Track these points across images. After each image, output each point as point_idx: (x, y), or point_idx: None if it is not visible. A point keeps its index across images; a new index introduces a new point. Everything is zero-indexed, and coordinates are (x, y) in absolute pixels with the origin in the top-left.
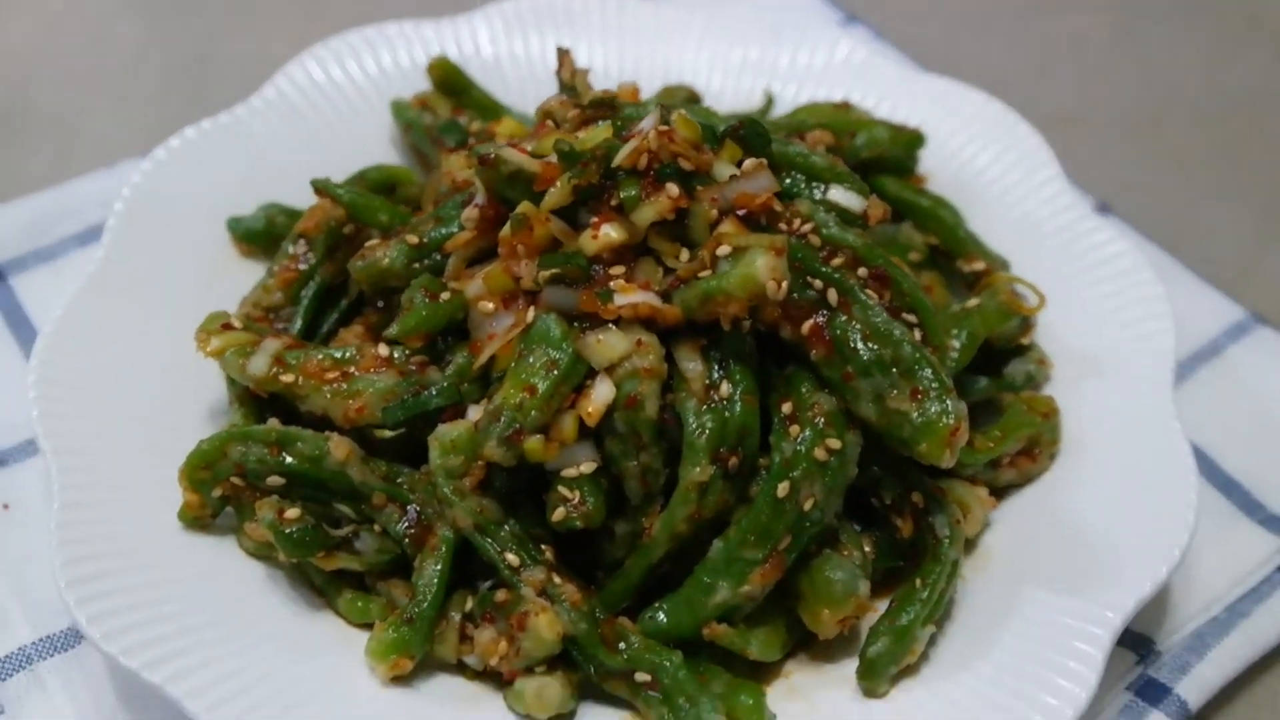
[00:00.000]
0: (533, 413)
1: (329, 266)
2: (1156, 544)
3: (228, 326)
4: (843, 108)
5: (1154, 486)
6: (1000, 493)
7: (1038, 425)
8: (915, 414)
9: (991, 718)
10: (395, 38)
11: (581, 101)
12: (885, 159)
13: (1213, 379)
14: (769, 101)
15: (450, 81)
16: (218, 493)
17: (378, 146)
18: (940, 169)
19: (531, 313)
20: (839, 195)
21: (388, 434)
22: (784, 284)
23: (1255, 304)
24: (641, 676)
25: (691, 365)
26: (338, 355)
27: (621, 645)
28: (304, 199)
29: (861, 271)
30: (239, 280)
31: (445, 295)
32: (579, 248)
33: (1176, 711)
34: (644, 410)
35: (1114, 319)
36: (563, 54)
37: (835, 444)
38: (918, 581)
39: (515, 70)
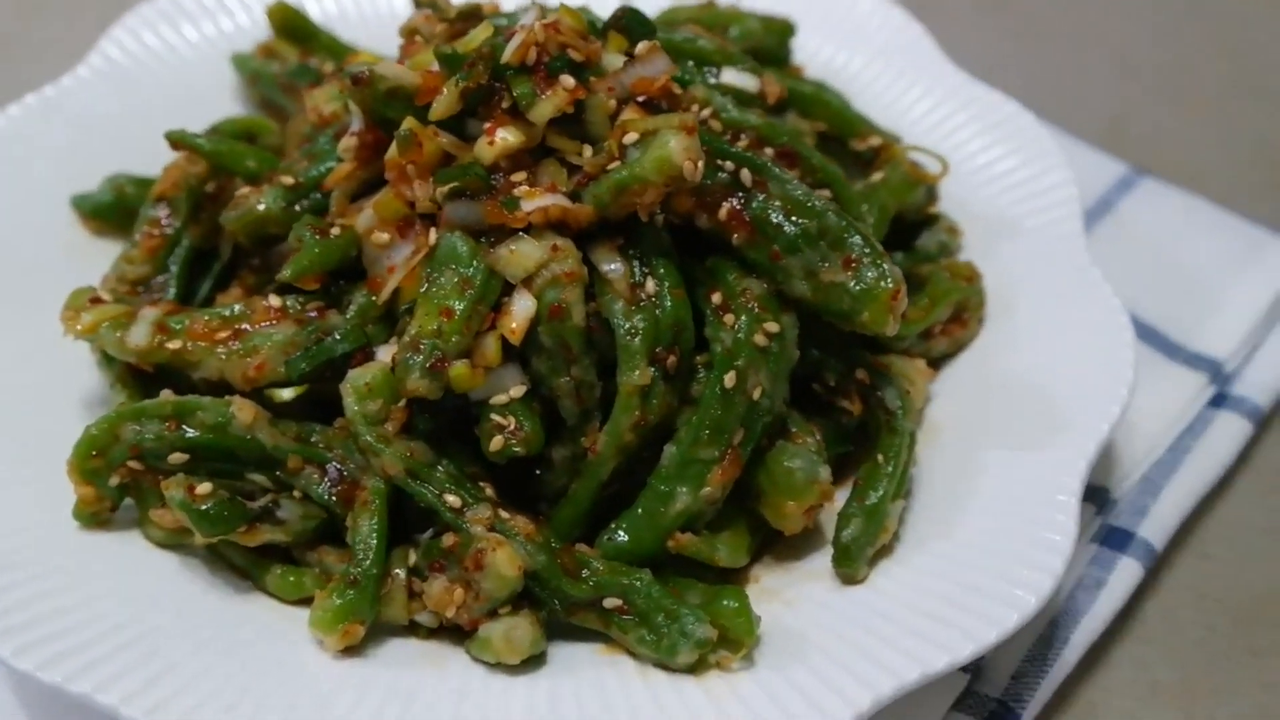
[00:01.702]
0: (453, 338)
1: (195, 228)
2: (1100, 390)
3: (96, 300)
4: (708, 6)
5: (1086, 337)
6: (935, 364)
7: (964, 290)
8: (852, 283)
9: (978, 585)
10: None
11: (448, 15)
12: (760, 50)
13: (1111, 233)
14: None
15: (293, 26)
16: (114, 481)
17: (221, 105)
18: (810, 61)
19: (433, 235)
20: (733, 77)
21: (286, 395)
22: (700, 164)
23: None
24: (611, 602)
25: (612, 266)
26: (226, 313)
27: (584, 573)
28: (150, 167)
29: (768, 151)
30: (93, 261)
31: (335, 231)
32: (475, 158)
33: (1144, 554)
34: (570, 318)
35: (1014, 179)
36: None
37: (773, 327)
38: (879, 457)
39: (358, 12)
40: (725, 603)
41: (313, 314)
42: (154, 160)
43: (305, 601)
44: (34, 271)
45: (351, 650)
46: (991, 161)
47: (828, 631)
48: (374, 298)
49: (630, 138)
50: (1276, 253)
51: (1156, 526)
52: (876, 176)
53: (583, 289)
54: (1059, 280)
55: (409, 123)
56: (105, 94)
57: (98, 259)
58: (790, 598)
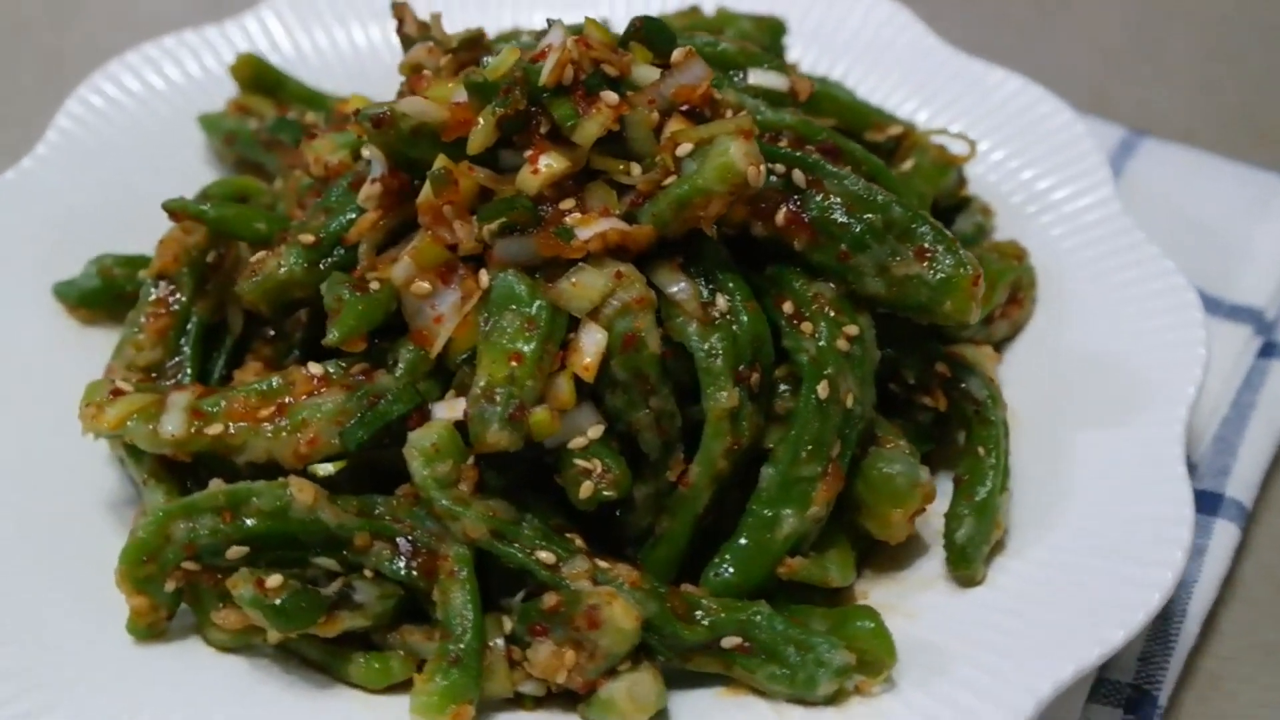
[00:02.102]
0: (528, 382)
1: (203, 303)
2: (1176, 358)
3: (118, 392)
4: (693, 11)
5: (1149, 304)
6: (997, 349)
7: (1016, 270)
8: (930, 274)
9: (1106, 570)
10: (177, 50)
11: (449, 45)
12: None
13: (1124, 196)
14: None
15: (262, 79)
16: (170, 587)
17: (194, 170)
18: (803, 56)
19: (483, 276)
20: (761, 78)
21: (327, 470)
22: (762, 168)
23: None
24: (730, 641)
25: (678, 287)
26: (264, 388)
27: (698, 614)
28: (132, 244)
29: (808, 149)
30: (89, 353)
31: (375, 286)
32: (518, 189)
33: (1236, 514)
34: (646, 347)
35: (1036, 154)
36: (400, 7)
37: (853, 330)
38: (980, 450)
39: (320, 60)
40: (859, 624)
41: (360, 377)
42: (135, 236)
43: (394, 688)
44: (25, 371)
45: None
46: (1012, 140)
47: (962, 639)
48: (423, 352)
49: (684, 149)
50: None
51: (1241, 485)
52: (907, 165)
53: (654, 315)
54: (1105, 250)
55: (442, 160)
56: (71, 171)
57: (94, 349)
58: (909, 610)
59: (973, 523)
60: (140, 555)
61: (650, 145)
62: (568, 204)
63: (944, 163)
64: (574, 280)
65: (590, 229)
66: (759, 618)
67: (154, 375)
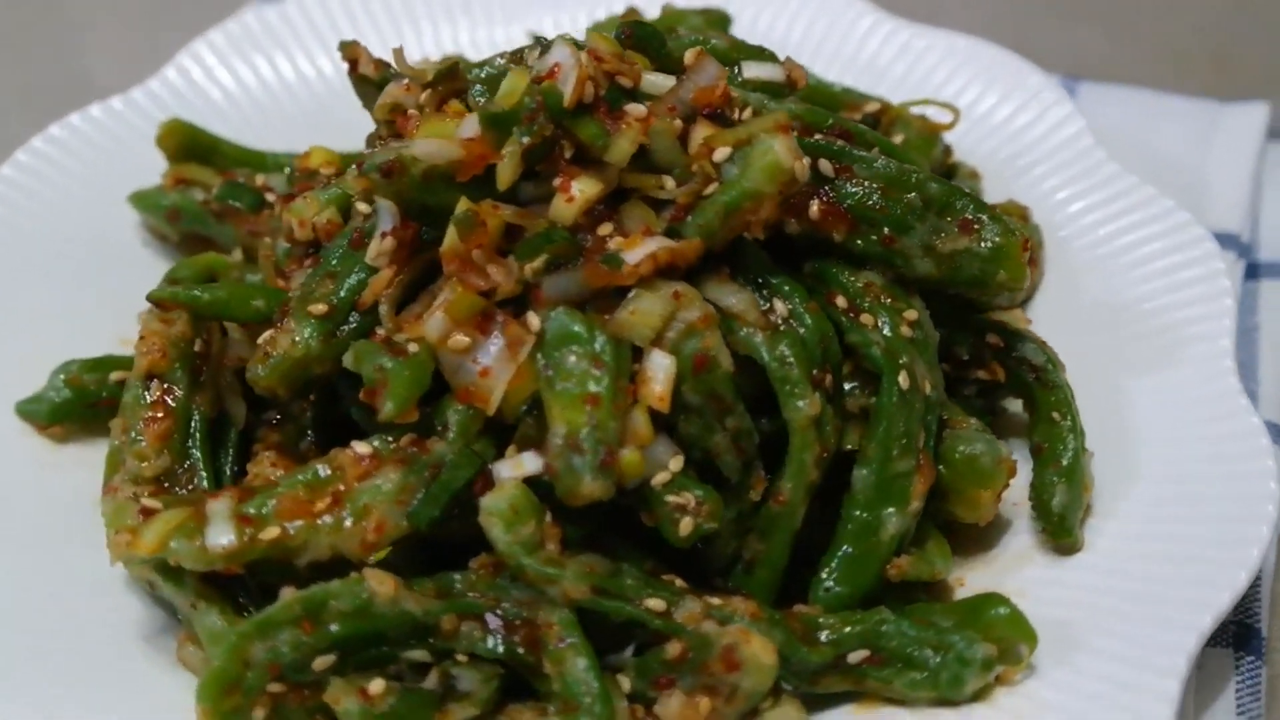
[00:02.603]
0: (610, 424)
1: (201, 396)
2: (1200, 293)
3: (148, 511)
4: (629, 13)
5: (1157, 244)
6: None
7: (1025, 229)
8: (979, 245)
9: (1204, 515)
10: (89, 131)
11: (425, 78)
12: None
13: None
14: None
15: (192, 145)
16: (260, 716)
17: (134, 254)
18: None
19: (534, 319)
20: (756, 70)
21: (380, 555)
22: (805, 162)
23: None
24: (857, 656)
25: (734, 299)
26: (309, 478)
27: (820, 634)
28: (90, 345)
29: (817, 138)
30: (74, 475)
31: (414, 349)
32: (552, 220)
33: (1276, 435)
34: (719, 366)
35: (1005, 113)
36: (352, 47)
37: (912, 314)
38: (1053, 415)
39: (250, 108)
40: (994, 612)
41: (412, 449)
42: (92, 337)
43: None
44: (10, 509)
45: None
46: (976, 99)
47: (1084, 609)
48: (472, 411)
49: (722, 154)
50: (1234, 117)
51: (1271, 406)
52: (897, 140)
53: (719, 331)
54: (1104, 196)
55: (465, 203)
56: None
57: (78, 470)
58: (1014, 589)
59: (1065, 489)
60: (222, 688)
61: (678, 155)
62: (605, 229)
63: (929, 133)
64: (632, 309)
65: (638, 252)
66: (885, 626)
67: (165, 485)
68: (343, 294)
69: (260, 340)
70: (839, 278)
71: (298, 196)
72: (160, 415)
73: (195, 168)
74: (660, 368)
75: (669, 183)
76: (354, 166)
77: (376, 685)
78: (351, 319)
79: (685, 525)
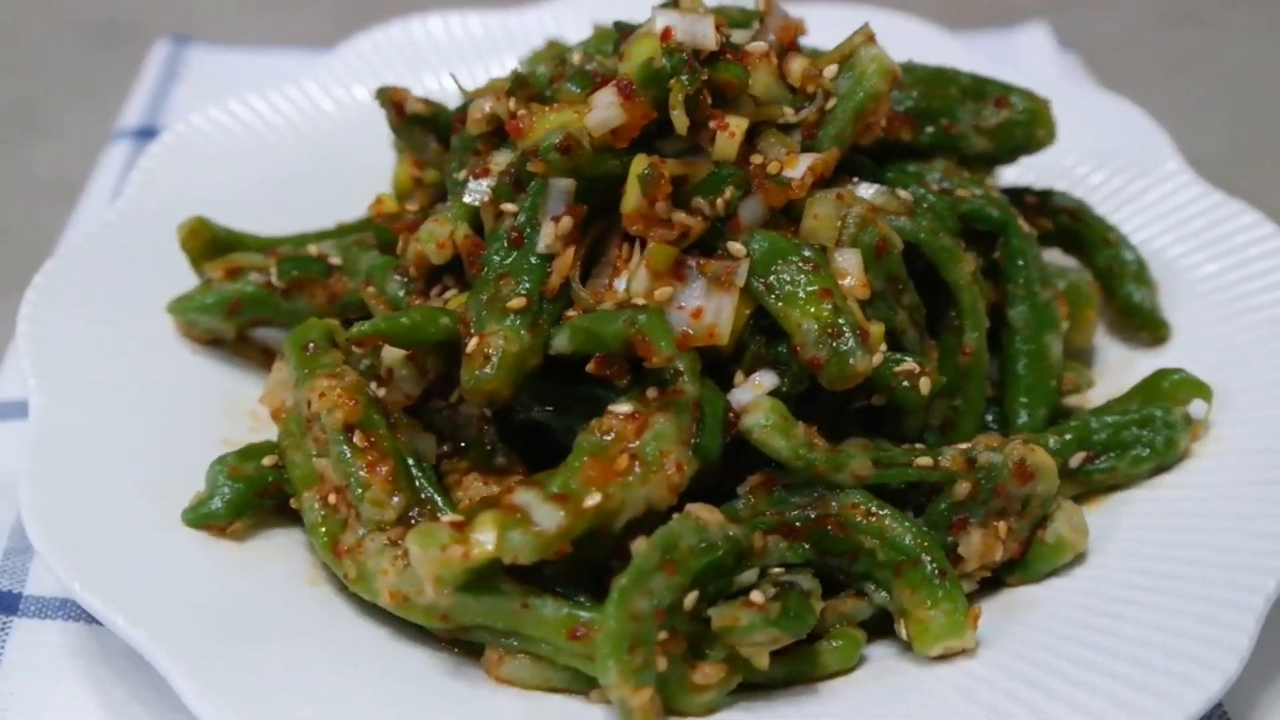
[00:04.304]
0: (852, 309)
1: (400, 435)
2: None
3: (459, 524)
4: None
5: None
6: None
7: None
8: (1015, 114)
9: None
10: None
11: (505, 88)
12: None
13: None
14: None
15: (215, 241)
16: (662, 666)
17: (195, 361)
18: None
19: (738, 247)
20: None
21: None
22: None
23: None
24: (1077, 459)
25: (872, 191)
26: (594, 443)
27: (1052, 443)
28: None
29: None
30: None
31: (642, 314)
32: (720, 158)
33: None
34: (895, 247)
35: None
36: (395, 92)
37: (990, 181)
38: (1107, 236)
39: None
40: (1170, 380)
41: (665, 399)
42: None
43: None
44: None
45: None
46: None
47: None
48: (689, 355)
49: (830, 71)
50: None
51: None
52: None
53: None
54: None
55: (641, 160)
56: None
57: (281, 559)
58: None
59: (1140, 288)
60: (624, 646)
61: (777, 90)
62: (757, 159)
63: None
64: (814, 214)
65: (799, 168)
66: (1093, 423)
67: (412, 524)
68: (528, 286)
69: (469, 349)
70: (907, 169)
71: (429, 220)
72: (378, 458)
73: (243, 256)
74: (850, 262)
75: (788, 112)
76: (522, 154)
77: (757, 596)
78: (545, 308)
79: (924, 384)
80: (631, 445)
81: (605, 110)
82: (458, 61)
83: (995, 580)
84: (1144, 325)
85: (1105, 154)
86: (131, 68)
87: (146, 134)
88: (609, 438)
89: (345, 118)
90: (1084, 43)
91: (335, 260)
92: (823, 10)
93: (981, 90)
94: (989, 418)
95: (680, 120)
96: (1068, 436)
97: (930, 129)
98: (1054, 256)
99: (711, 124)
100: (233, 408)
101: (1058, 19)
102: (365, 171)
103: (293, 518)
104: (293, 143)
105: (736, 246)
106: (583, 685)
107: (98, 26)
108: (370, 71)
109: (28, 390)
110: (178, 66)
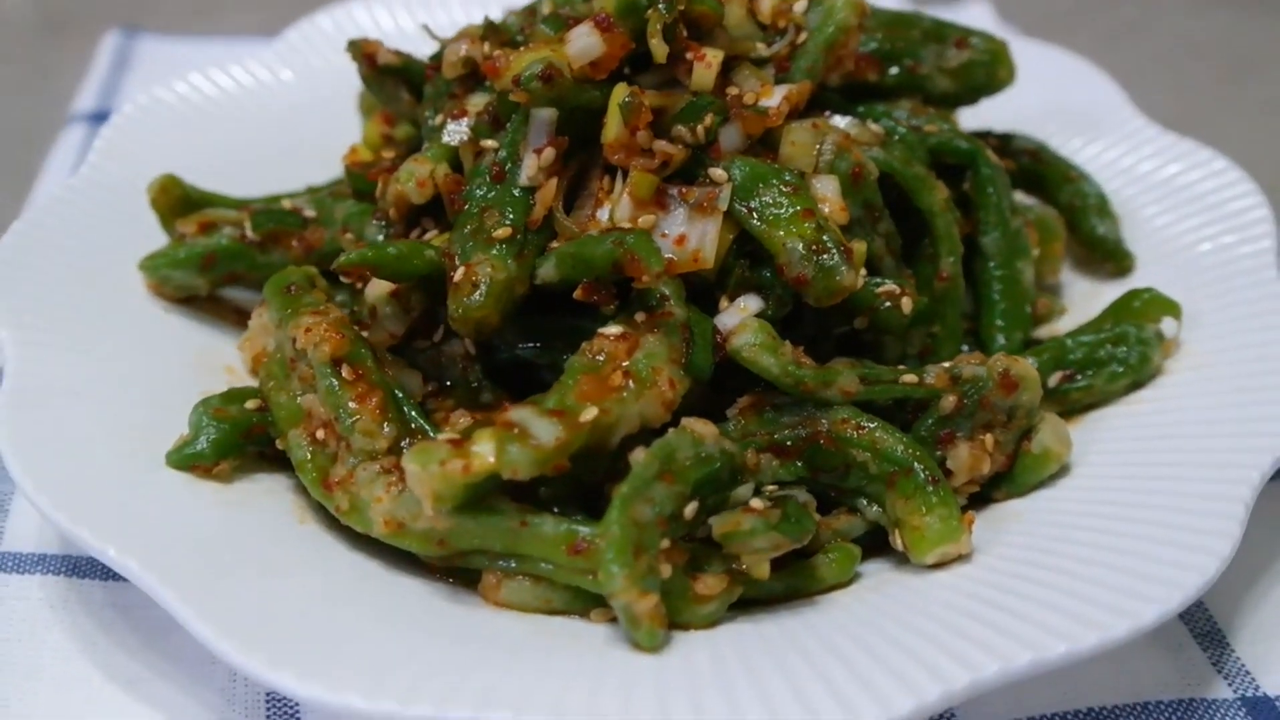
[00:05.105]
0: (834, 227)
1: (386, 369)
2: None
3: (456, 441)
4: None
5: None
6: None
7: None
8: (976, 56)
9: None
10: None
11: (477, 34)
12: None
13: None
14: None
15: (186, 199)
16: (667, 573)
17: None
18: None
19: (719, 172)
20: None
21: None
22: None
23: None
24: (1054, 378)
25: (845, 122)
26: (587, 362)
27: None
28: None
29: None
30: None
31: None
32: (697, 88)
33: None
34: (870, 173)
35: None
36: (362, 43)
37: (954, 117)
38: (1069, 173)
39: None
40: (1140, 299)
41: (646, 319)
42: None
43: None
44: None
45: None
46: None
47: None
48: (674, 281)
49: (800, 6)
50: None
51: None
52: None
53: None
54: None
55: (621, 89)
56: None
57: (265, 499)
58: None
59: (1104, 220)
60: (629, 551)
61: (751, 24)
62: (733, 90)
63: None
64: (791, 141)
65: (774, 98)
66: (1068, 342)
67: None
68: (511, 219)
69: (456, 278)
70: (875, 109)
71: (409, 161)
72: (367, 390)
73: (215, 211)
74: (828, 187)
75: (760, 47)
76: (499, 93)
77: (757, 503)
78: (530, 239)
79: (905, 304)
80: (624, 364)
81: (585, 39)
82: (409, 40)
83: (983, 497)
84: (1109, 256)
85: (1058, 101)
86: (78, 60)
87: (101, 118)
88: (601, 358)
89: (306, 89)
90: (1021, 19)
91: (310, 213)
92: None
93: (942, 33)
94: (965, 348)
95: (659, 49)
96: (1045, 356)
97: (895, 70)
98: (1017, 197)
99: (689, 55)
100: (208, 362)
101: None
102: (327, 141)
103: (276, 464)
104: (255, 113)
105: (718, 172)
106: (582, 605)
107: (41, 21)
108: (329, 45)
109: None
110: (129, 55)
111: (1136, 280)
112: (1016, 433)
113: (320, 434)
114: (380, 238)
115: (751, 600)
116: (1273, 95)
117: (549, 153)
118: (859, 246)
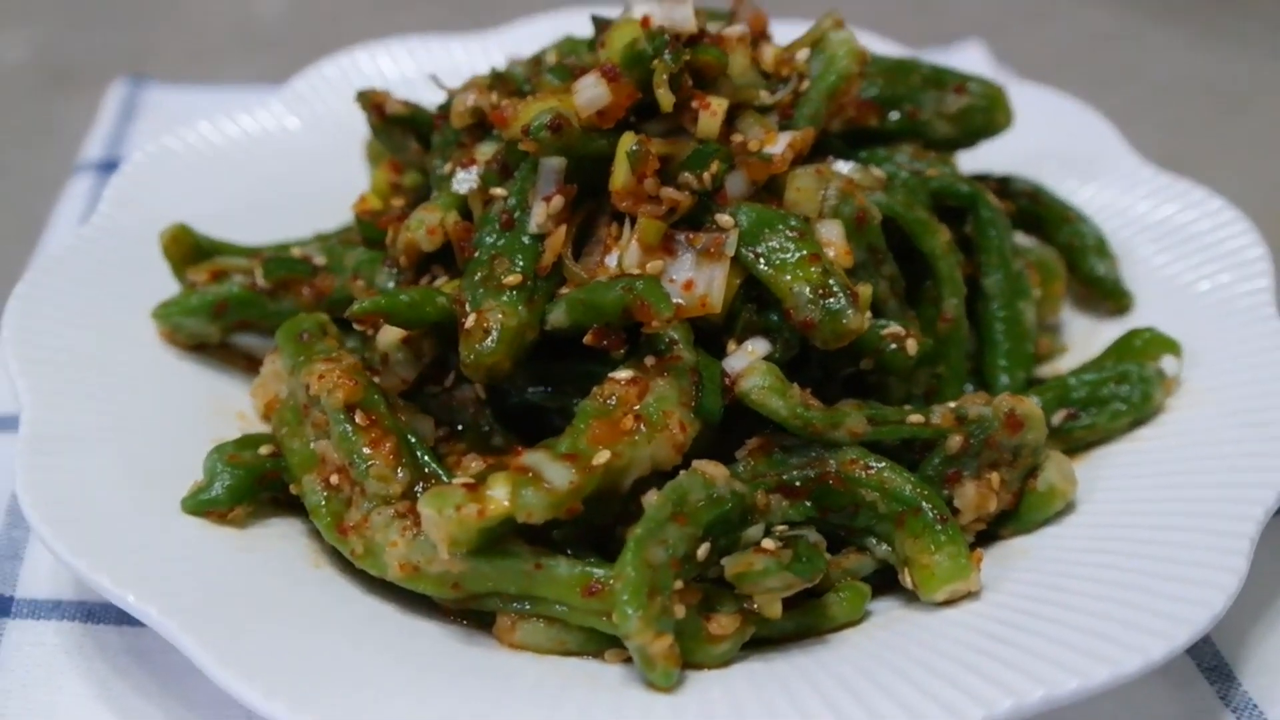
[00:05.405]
0: (841, 271)
1: (400, 415)
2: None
3: (470, 485)
4: None
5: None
6: None
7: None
8: (974, 101)
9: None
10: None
11: (485, 84)
12: None
13: None
14: None
15: (197, 248)
16: (681, 613)
17: (178, 365)
18: None
19: (726, 219)
20: None
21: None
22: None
23: None
24: (1058, 417)
25: (848, 168)
26: (600, 406)
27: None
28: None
29: None
30: (278, 550)
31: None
32: (703, 136)
33: None
34: (873, 218)
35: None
36: (370, 94)
37: (954, 162)
38: (1067, 214)
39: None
40: (1140, 339)
41: (655, 363)
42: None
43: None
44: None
45: None
46: None
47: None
48: (683, 326)
49: (803, 54)
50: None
51: None
52: None
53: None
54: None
55: (629, 138)
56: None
57: (281, 543)
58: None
59: (1103, 261)
60: (644, 593)
61: (752, 75)
62: (738, 137)
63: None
64: (796, 188)
65: (778, 145)
66: (1071, 381)
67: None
68: (521, 265)
69: (467, 325)
70: (878, 153)
71: (420, 209)
72: (380, 435)
73: (226, 259)
74: (832, 232)
75: (763, 94)
76: (508, 142)
77: (769, 543)
78: (539, 285)
79: (910, 345)
80: (635, 407)
81: (592, 90)
82: (412, 86)
83: (990, 535)
84: (1108, 296)
85: (1055, 144)
86: (82, 110)
87: (109, 167)
88: (612, 401)
89: (313, 137)
90: (1017, 61)
91: (319, 260)
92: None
93: (941, 79)
94: (969, 387)
95: (665, 98)
96: (1048, 395)
97: (895, 115)
98: (1017, 238)
99: (694, 104)
100: (221, 408)
101: (992, 39)
102: (334, 188)
103: (290, 509)
104: (262, 161)
105: (725, 218)
106: (597, 646)
107: (44, 71)
108: (334, 93)
109: (16, 392)
110: (136, 104)
111: (1135, 319)
112: (1022, 471)
113: (334, 479)
114: (391, 285)
115: (764, 639)
116: (1265, 131)
117: (558, 200)
118: (865, 290)
